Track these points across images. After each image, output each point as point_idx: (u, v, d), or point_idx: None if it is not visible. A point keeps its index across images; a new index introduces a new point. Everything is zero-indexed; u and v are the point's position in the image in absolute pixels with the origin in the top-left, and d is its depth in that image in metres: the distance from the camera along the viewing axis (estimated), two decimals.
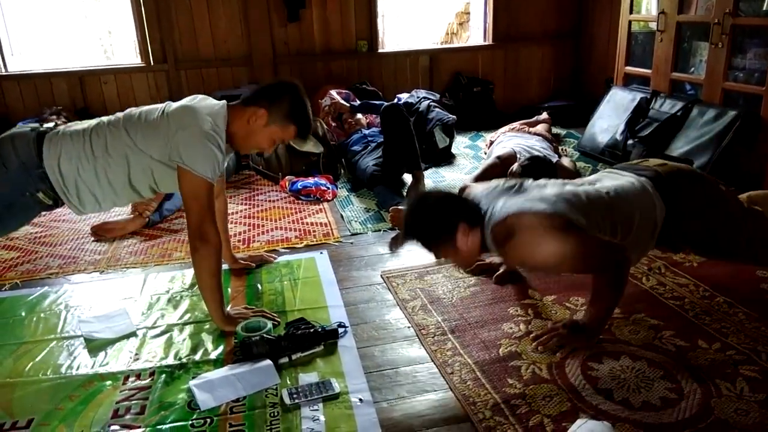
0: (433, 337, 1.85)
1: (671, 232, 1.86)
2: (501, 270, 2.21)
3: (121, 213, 3.06)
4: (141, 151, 1.81)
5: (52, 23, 8.06)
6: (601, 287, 1.75)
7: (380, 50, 4.85)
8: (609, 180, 1.91)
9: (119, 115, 1.91)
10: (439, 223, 1.76)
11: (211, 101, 1.92)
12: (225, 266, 2.34)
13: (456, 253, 1.79)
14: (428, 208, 1.80)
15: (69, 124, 1.92)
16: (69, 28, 8.47)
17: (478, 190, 1.95)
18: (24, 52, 4.56)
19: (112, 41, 8.82)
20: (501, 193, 1.85)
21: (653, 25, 3.75)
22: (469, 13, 6.69)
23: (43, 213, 2.18)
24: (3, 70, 4.26)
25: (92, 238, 2.78)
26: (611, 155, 3.60)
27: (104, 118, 1.91)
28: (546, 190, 1.83)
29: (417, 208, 1.82)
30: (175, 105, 1.87)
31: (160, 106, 1.90)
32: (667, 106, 3.46)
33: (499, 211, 1.76)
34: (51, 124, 1.89)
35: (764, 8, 3.02)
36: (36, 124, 1.88)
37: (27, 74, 4.32)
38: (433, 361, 1.74)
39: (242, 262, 2.37)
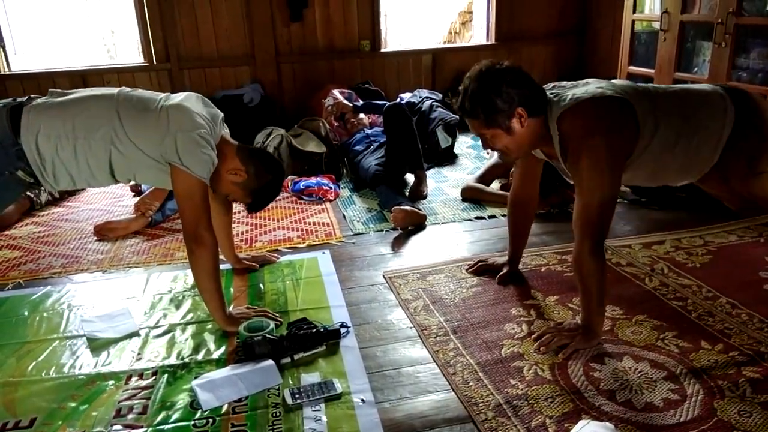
0: (435, 338, 1.85)
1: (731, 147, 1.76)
2: (504, 270, 2.20)
3: (123, 213, 3.07)
4: (130, 141, 1.77)
5: (55, 22, 8.08)
6: (581, 282, 1.73)
7: (383, 50, 4.85)
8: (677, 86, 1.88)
9: (112, 91, 1.85)
10: (496, 102, 1.65)
11: (209, 109, 1.91)
12: (227, 266, 2.35)
13: (506, 139, 1.70)
14: (488, 82, 1.67)
15: (51, 92, 1.85)
16: (72, 28, 8.49)
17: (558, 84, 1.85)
18: (27, 51, 4.57)
19: (115, 40, 8.84)
20: (558, 89, 1.78)
21: (656, 25, 3.74)
22: (471, 13, 6.69)
23: (42, 198, 2.09)
24: (6, 69, 4.27)
25: (95, 238, 2.79)
26: None
27: (92, 92, 1.85)
28: (612, 81, 1.80)
29: (475, 80, 1.68)
30: (174, 101, 1.83)
31: (156, 96, 1.87)
32: None
33: (570, 98, 1.68)
34: (24, 98, 1.82)
35: None
36: (9, 100, 1.82)
37: (30, 73, 4.33)
38: (435, 361, 1.74)
39: (245, 262, 2.37)
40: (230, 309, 1.97)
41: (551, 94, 1.76)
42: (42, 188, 1.90)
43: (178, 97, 1.87)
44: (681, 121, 1.73)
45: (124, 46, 8.49)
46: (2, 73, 4.23)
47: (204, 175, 1.78)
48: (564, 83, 1.82)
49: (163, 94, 1.89)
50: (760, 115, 1.77)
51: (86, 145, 1.77)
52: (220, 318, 1.90)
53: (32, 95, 1.85)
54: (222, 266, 2.36)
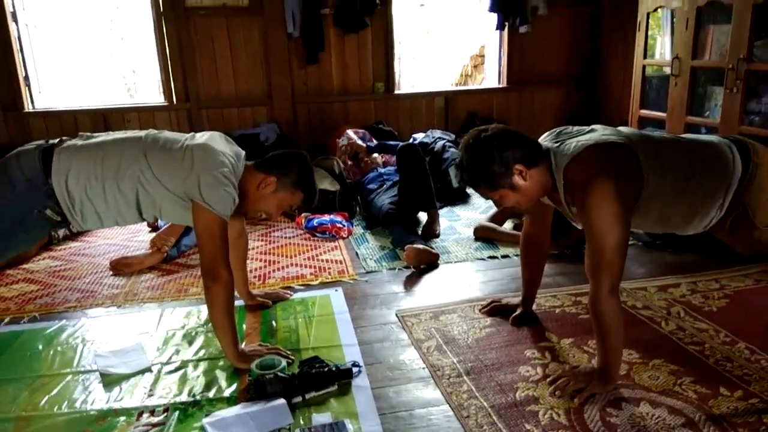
0: (448, 379, 1.83)
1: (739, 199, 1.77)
2: (518, 311, 2.19)
3: (139, 248, 3.10)
4: (156, 180, 1.83)
5: (78, 62, 8.34)
6: (598, 325, 1.71)
7: (396, 92, 4.95)
8: (685, 135, 1.90)
9: (139, 134, 1.92)
10: (492, 168, 1.71)
11: (232, 146, 1.97)
12: (240, 302, 2.36)
13: (513, 195, 1.76)
14: (479, 152, 1.73)
15: (81, 135, 1.93)
16: (94, 67, 8.75)
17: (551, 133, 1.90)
18: (51, 89, 4.71)
19: (135, 80, 9.10)
20: (564, 135, 1.82)
21: (667, 70, 3.79)
22: (483, 56, 6.82)
23: (60, 233, 2.13)
24: (30, 107, 4.40)
25: (110, 273, 2.81)
26: None
27: (121, 135, 1.92)
28: (618, 128, 1.83)
29: (468, 152, 1.75)
30: (198, 141, 1.90)
31: (182, 137, 1.93)
32: None
33: (575, 146, 1.72)
34: (56, 140, 1.89)
35: None
36: (41, 141, 1.89)
37: (53, 111, 4.46)
38: (448, 403, 1.71)
39: (258, 298, 2.37)
40: (242, 346, 1.97)
41: (556, 142, 1.79)
42: (69, 226, 1.95)
43: (202, 137, 1.92)
44: (687, 172, 1.74)
45: (144, 85, 8.73)
46: (26, 110, 4.36)
47: (225, 213, 1.81)
48: (570, 129, 1.86)
49: (188, 135, 1.95)
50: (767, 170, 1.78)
51: (114, 185, 1.83)
52: (233, 355, 1.89)
53: (63, 137, 1.93)
54: (235, 302, 2.38)
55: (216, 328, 1.88)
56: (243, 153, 1.99)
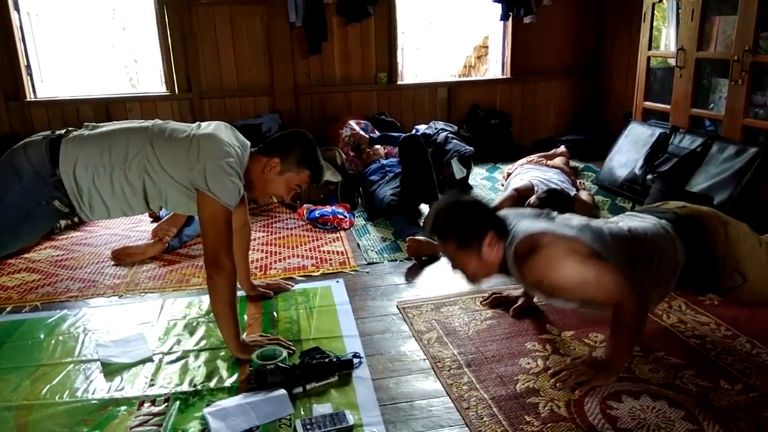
0: (449, 371, 1.83)
1: (693, 275, 1.84)
2: (519, 303, 2.19)
3: (141, 238, 3.10)
4: (162, 170, 1.83)
5: (80, 51, 8.32)
6: (619, 320, 1.71)
7: (399, 82, 4.93)
8: (631, 220, 1.92)
9: (146, 124, 1.92)
10: (471, 225, 1.76)
11: (237, 136, 1.97)
12: (242, 293, 2.36)
13: (476, 262, 1.77)
14: (462, 209, 1.80)
15: (86, 126, 1.92)
16: (96, 57, 8.73)
17: (509, 212, 1.96)
18: (53, 78, 4.71)
19: (137, 69, 9.08)
20: (527, 216, 1.87)
21: (672, 61, 3.76)
22: (487, 47, 6.78)
23: (62, 223, 2.14)
24: (32, 96, 4.39)
25: (112, 263, 2.82)
26: (630, 190, 3.58)
27: (127, 125, 1.91)
28: (572, 221, 1.85)
29: (450, 207, 1.81)
30: (204, 131, 1.89)
31: (188, 127, 1.93)
32: (687, 142, 3.45)
33: (524, 229, 1.76)
34: (62, 131, 1.89)
35: None
36: (48, 132, 1.89)
37: (55, 100, 4.45)
38: (448, 395, 1.72)
39: (260, 289, 2.38)
40: (243, 336, 1.97)
41: (509, 224, 1.83)
42: (76, 217, 1.95)
43: (208, 127, 1.92)
44: (636, 265, 1.77)
45: (146, 75, 8.72)
46: (28, 100, 4.35)
47: (230, 203, 1.81)
48: (519, 211, 1.96)
49: (193, 125, 1.95)
50: (712, 242, 1.83)
51: (122, 174, 1.83)
52: (234, 345, 1.90)
53: (70, 128, 1.92)
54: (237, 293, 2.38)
55: (218, 318, 1.88)
56: (248, 143, 1.99)
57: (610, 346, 1.76)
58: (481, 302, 2.27)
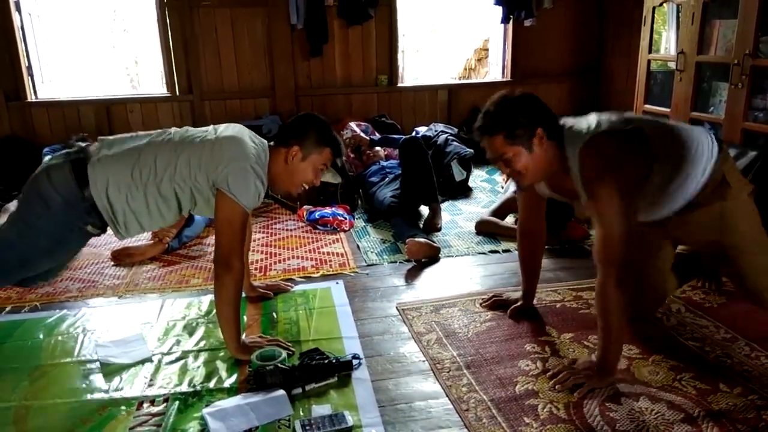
0: (448, 372, 1.83)
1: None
2: (518, 304, 2.19)
3: (141, 238, 3.10)
4: (191, 176, 1.83)
5: (81, 53, 8.34)
6: (602, 312, 1.70)
7: (400, 84, 4.94)
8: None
9: (168, 134, 1.91)
10: (521, 117, 1.71)
11: (255, 138, 1.96)
12: (242, 294, 2.35)
13: (526, 157, 1.72)
14: (512, 102, 1.75)
15: (102, 141, 1.90)
16: (98, 58, 8.75)
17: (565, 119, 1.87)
18: (54, 80, 4.71)
19: (138, 71, 9.09)
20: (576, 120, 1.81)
21: (672, 65, 3.77)
22: (487, 50, 6.79)
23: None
24: (33, 97, 4.40)
25: (112, 263, 2.82)
26: None
27: (148, 139, 1.90)
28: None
29: (499, 102, 1.77)
30: (227, 133, 1.90)
31: (207, 130, 1.93)
32: None
33: (586, 129, 1.72)
34: (82, 144, 1.88)
35: None
36: (65, 151, 1.87)
37: (55, 101, 4.46)
38: (447, 396, 1.72)
39: (260, 290, 2.38)
40: (243, 337, 1.97)
41: (565, 124, 1.79)
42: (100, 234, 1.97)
43: (228, 130, 1.93)
44: (683, 157, 1.77)
45: (147, 76, 8.73)
46: (29, 100, 4.36)
47: (249, 205, 1.83)
48: (569, 119, 1.85)
49: (211, 128, 1.96)
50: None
51: (155, 191, 1.83)
52: (234, 346, 1.90)
53: (86, 143, 1.92)
54: None
55: (220, 318, 1.89)
56: (266, 142, 1.99)
57: (600, 346, 1.75)
58: (480, 304, 2.27)
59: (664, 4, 3.87)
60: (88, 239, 1.94)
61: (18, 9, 4.24)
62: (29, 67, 4.37)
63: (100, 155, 1.83)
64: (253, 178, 1.83)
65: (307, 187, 2.07)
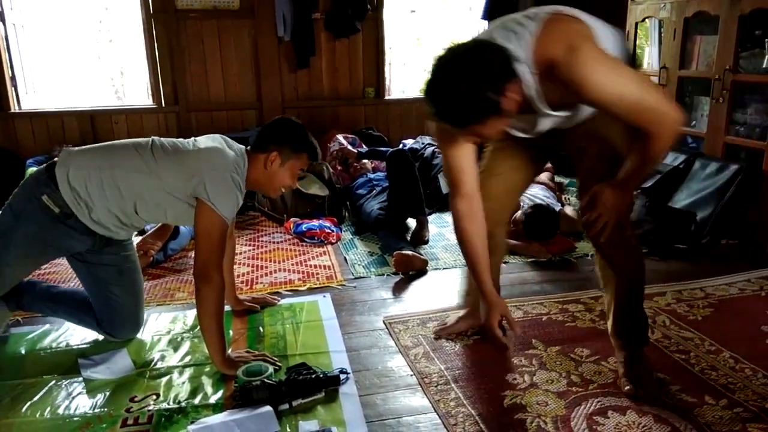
0: (436, 386, 1.82)
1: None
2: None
3: None
4: (167, 185, 1.85)
5: (66, 63, 8.27)
6: (650, 148, 1.49)
7: (387, 97, 4.96)
8: None
9: (147, 139, 1.95)
10: (488, 87, 1.36)
11: (234, 145, 1.98)
12: (227, 308, 2.33)
13: (501, 119, 1.43)
14: (471, 69, 1.37)
15: (70, 149, 1.95)
16: (82, 69, 8.67)
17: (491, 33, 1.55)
18: (38, 90, 4.67)
19: (124, 82, 9.03)
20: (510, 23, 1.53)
21: (655, 79, 3.83)
22: None
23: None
24: (17, 108, 4.35)
25: None
26: None
27: (125, 141, 1.96)
28: None
29: (454, 70, 1.38)
30: (204, 144, 1.93)
31: (188, 141, 1.96)
32: (669, 159, 3.49)
33: (536, 24, 1.46)
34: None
35: (764, 65, 3.09)
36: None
37: (39, 112, 4.41)
38: (436, 411, 1.71)
39: (246, 303, 2.36)
40: (229, 351, 1.95)
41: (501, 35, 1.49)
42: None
43: (209, 141, 1.95)
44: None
45: (132, 87, 8.67)
46: (12, 111, 4.31)
47: (228, 216, 1.83)
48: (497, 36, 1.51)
49: (191, 139, 1.98)
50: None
51: (115, 187, 1.86)
52: (219, 360, 1.88)
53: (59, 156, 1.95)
54: None
55: (204, 331, 1.87)
56: (243, 148, 2.00)
57: (633, 167, 1.55)
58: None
59: (647, 20, 3.95)
60: (46, 221, 1.87)
61: (2, 19, 4.20)
62: (13, 78, 4.31)
63: (71, 151, 1.92)
64: (233, 188, 1.84)
65: (284, 191, 2.08)
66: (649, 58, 4.11)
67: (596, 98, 1.44)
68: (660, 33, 3.86)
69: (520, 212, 3.06)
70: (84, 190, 1.84)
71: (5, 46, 4.23)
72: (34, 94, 4.57)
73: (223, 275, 1.86)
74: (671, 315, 2.27)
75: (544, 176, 3.90)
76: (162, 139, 1.96)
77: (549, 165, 4.25)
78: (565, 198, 3.89)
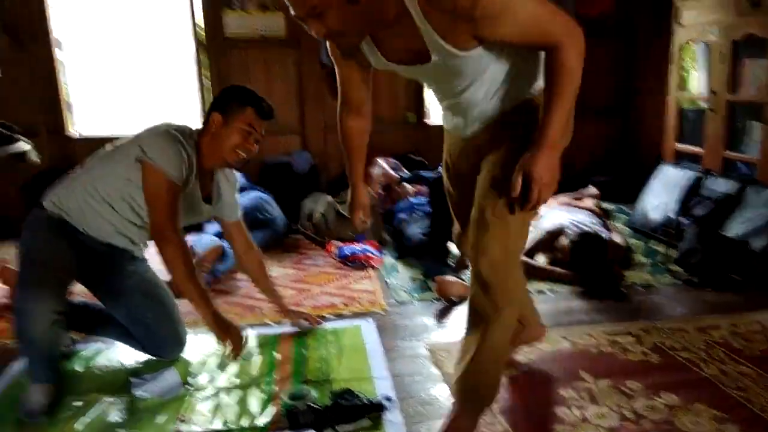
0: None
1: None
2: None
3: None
4: (112, 173, 1.91)
5: (118, 89, 8.61)
6: (559, 71, 1.34)
7: (428, 122, 4.99)
8: None
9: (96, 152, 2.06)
10: None
11: (177, 126, 2.03)
12: (274, 330, 2.37)
13: (346, 4, 1.24)
14: None
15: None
16: (134, 95, 9.01)
17: None
18: (92, 115, 4.88)
19: (173, 108, 9.32)
20: None
21: (703, 103, 3.76)
22: None
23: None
24: (73, 132, 4.55)
25: None
26: (664, 233, 3.51)
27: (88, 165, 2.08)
28: None
29: None
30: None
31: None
32: (721, 186, 3.40)
33: None
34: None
35: None
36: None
37: (95, 138, 4.58)
38: None
39: (294, 311, 2.40)
40: (233, 322, 2.02)
41: None
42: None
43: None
44: None
45: (182, 113, 8.94)
46: (68, 134, 4.50)
47: (173, 173, 1.85)
48: None
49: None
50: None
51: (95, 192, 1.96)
52: (209, 320, 1.92)
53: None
54: (268, 331, 2.40)
55: (184, 294, 1.91)
56: (190, 126, 2.04)
57: (552, 105, 1.38)
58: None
59: (692, 44, 3.88)
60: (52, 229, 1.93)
61: (59, 46, 4.43)
62: (69, 103, 4.52)
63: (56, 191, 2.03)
64: (174, 145, 1.86)
65: (243, 155, 2.02)
66: (697, 81, 4.04)
67: (516, 23, 1.28)
68: (708, 56, 3.79)
69: (567, 239, 3.01)
70: (73, 198, 1.95)
71: (62, 72, 4.44)
72: (89, 119, 4.78)
73: (181, 236, 1.90)
74: (726, 348, 2.19)
75: (589, 201, 3.83)
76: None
77: (595, 190, 4.18)
78: (611, 225, 3.81)
